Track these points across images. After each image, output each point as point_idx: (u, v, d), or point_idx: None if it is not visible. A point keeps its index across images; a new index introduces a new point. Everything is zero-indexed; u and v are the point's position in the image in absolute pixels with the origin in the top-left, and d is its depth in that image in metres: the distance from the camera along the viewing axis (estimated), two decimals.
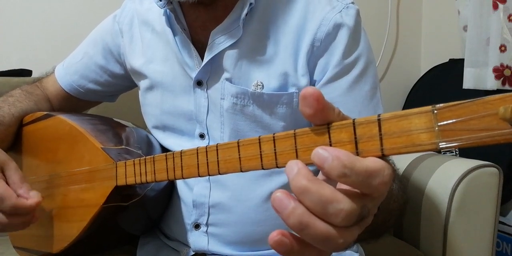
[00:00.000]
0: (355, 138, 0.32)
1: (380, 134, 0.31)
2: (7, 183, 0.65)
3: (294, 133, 0.36)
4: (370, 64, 0.72)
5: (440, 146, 0.28)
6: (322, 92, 0.74)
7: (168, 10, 0.74)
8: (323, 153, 0.31)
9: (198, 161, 0.45)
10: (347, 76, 0.70)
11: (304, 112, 0.33)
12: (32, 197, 0.64)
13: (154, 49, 0.79)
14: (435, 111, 0.29)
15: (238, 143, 0.41)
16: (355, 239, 0.34)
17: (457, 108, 0.28)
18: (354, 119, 0.33)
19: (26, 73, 1.31)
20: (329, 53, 0.69)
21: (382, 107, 0.73)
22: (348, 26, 0.69)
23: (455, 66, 1.63)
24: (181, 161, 0.48)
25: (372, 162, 0.31)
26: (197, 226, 0.76)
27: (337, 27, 0.69)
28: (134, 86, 0.90)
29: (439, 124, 0.29)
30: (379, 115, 0.31)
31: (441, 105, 0.29)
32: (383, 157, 0.32)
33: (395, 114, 0.31)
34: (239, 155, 0.40)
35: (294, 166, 0.32)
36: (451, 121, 0.28)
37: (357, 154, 0.32)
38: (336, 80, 0.70)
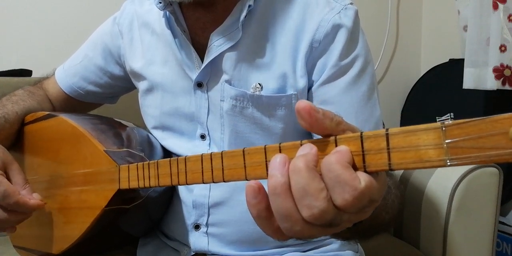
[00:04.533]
0: (363, 151, 0.33)
1: (388, 149, 0.31)
2: None
3: (301, 144, 0.36)
4: (368, 65, 0.72)
5: (448, 163, 0.28)
6: (319, 92, 0.74)
7: (168, 12, 0.74)
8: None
9: (202, 167, 0.45)
10: (344, 77, 0.70)
11: (301, 125, 0.34)
12: (34, 198, 0.66)
13: (154, 51, 0.79)
14: (444, 128, 0.29)
15: (243, 151, 0.40)
16: (313, 236, 0.35)
17: (466, 125, 0.28)
18: (361, 132, 0.33)
19: (26, 73, 1.31)
20: (328, 54, 0.69)
21: (379, 108, 0.73)
22: (347, 27, 0.69)
23: (455, 66, 1.63)
24: (185, 166, 0.48)
25: (348, 175, 0.32)
26: (197, 226, 0.76)
27: (336, 28, 0.69)
28: (134, 87, 0.90)
29: (447, 141, 0.29)
30: (387, 130, 0.31)
31: (450, 122, 0.29)
32: (389, 171, 0.32)
33: (403, 129, 0.31)
34: (245, 163, 0.40)
35: (307, 148, 0.34)
36: (459, 138, 0.28)
37: (364, 167, 0.33)
38: (333, 81, 0.70)
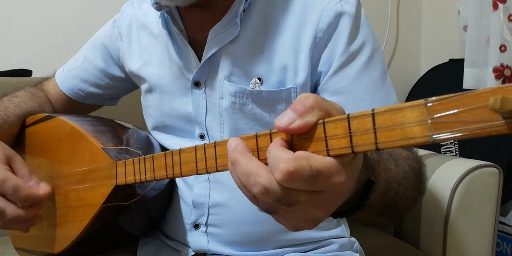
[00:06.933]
0: (350, 132, 0.33)
1: (374, 128, 0.32)
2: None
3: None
4: (376, 50, 0.71)
5: (433, 139, 0.29)
6: (331, 82, 0.74)
7: (164, 13, 0.74)
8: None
9: (196, 157, 0.46)
10: (354, 63, 0.69)
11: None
12: (42, 188, 0.65)
13: (151, 52, 0.79)
14: (427, 104, 0.29)
15: None
16: (297, 218, 0.38)
17: (448, 101, 0.28)
18: (348, 113, 0.33)
19: (26, 73, 1.31)
20: (333, 43, 0.69)
21: (394, 93, 0.72)
22: (349, 14, 0.69)
23: (455, 66, 1.63)
24: (180, 158, 0.48)
25: (282, 152, 0.35)
26: (196, 226, 0.76)
27: (338, 16, 0.68)
28: (134, 88, 0.90)
29: (431, 117, 0.29)
30: (373, 109, 0.32)
31: (433, 98, 0.29)
32: (377, 150, 0.32)
33: (389, 108, 0.31)
34: None
35: (233, 142, 0.38)
36: (443, 114, 0.29)
37: (352, 148, 0.33)
38: (344, 69, 0.68)
